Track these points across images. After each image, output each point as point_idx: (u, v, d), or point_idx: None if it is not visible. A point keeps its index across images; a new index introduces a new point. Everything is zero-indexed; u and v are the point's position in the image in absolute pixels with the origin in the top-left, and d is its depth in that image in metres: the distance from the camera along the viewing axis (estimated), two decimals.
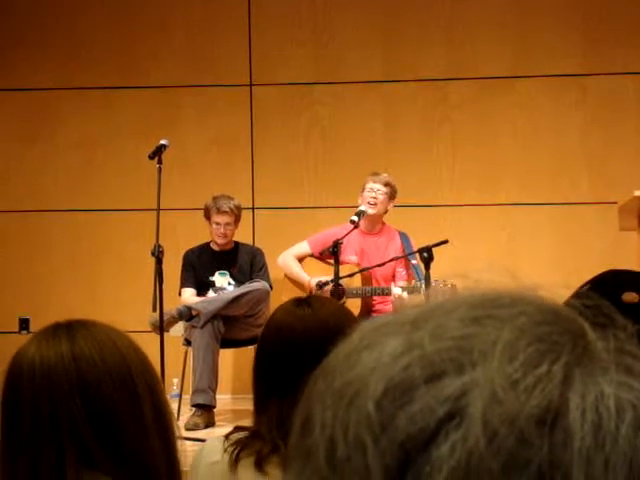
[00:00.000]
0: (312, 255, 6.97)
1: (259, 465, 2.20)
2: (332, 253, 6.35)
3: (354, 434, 0.56)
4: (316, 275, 6.79)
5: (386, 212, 6.83)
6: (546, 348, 0.56)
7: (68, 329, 1.73)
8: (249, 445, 2.25)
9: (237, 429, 2.35)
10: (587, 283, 1.75)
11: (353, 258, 6.71)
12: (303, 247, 7.02)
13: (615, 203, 6.30)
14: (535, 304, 0.59)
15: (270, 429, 2.22)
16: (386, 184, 6.74)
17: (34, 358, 1.69)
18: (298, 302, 2.42)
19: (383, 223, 6.91)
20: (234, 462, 2.25)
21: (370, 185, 6.73)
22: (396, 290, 6.34)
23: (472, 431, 0.53)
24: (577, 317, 0.59)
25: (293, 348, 2.29)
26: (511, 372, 0.55)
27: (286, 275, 7.01)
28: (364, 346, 0.60)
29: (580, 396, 0.54)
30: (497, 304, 0.59)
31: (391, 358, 0.57)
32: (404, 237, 6.84)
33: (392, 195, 6.78)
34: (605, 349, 0.57)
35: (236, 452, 2.26)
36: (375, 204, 6.69)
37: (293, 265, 6.97)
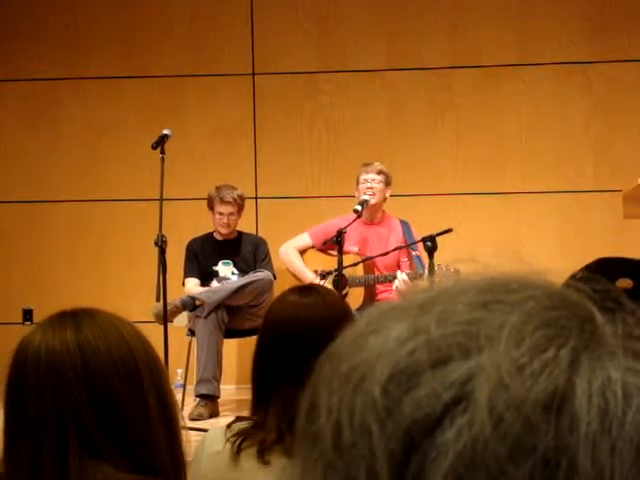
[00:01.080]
0: (313, 247, 6.97)
1: (262, 455, 2.21)
2: (336, 242, 6.34)
3: (360, 419, 0.56)
4: (317, 267, 6.78)
5: (385, 200, 6.81)
6: (553, 333, 0.55)
7: (74, 318, 1.73)
8: (251, 435, 2.26)
9: (238, 419, 2.36)
10: (580, 270, 1.75)
11: (354, 248, 6.70)
12: (304, 239, 7.01)
13: (620, 191, 6.29)
14: (543, 289, 0.59)
15: (273, 418, 2.22)
16: (379, 172, 6.73)
17: (39, 346, 1.69)
18: (297, 290, 2.43)
19: (383, 212, 6.90)
20: (236, 452, 2.25)
21: (364, 176, 6.72)
22: (401, 276, 6.33)
23: (478, 416, 0.53)
24: (585, 301, 0.59)
25: (293, 336, 2.30)
26: (517, 357, 0.54)
27: (288, 269, 6.99)
28: (370, 331, 0.59)
29: (587, 381, 0.54)
30: (505, 289, 0.59)
31: (397, 343, 0.57)
32: (405, 225, 6.83)
33: (387, 182, 6.77)
34: (613, 334, 0.57)
35: (238, 442, 2.26)
36: (373, 194, 6.68)
37: (296, 260, 6.95)
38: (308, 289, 2.45)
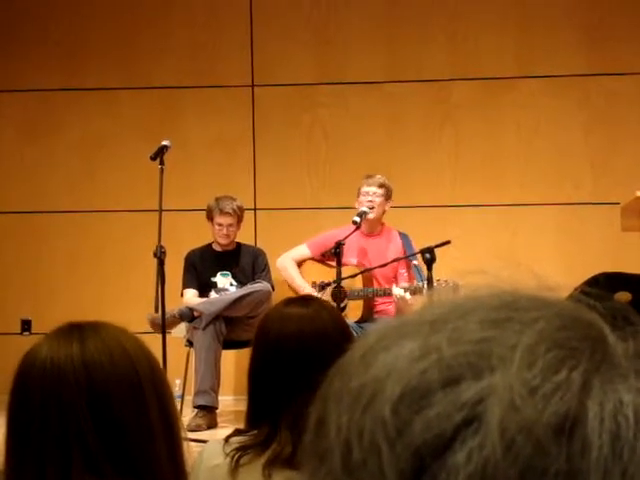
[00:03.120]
0: (312, 258, 6.96)
1: (270, 466, 2.19)
2: (334, 254, 6.33)
3: (370, 438, 0.55)
4: (316, 278, 6.77)
5: (384, 213, 6.81)
6: (565, 354, 0.55)
7: (80, 331, 1.72)
8: (253, 449, 2.24)
9: (237, 432, 2.34)
10: (580, 286, 1.75)
11: (352, 260, 6.69)
12: (302, 250, 7.01)
13: (618, 204, 6.29)
14: (555, 307, 0.59)
15: (287, 432, 2.20)
16: (380, 185, 6.72)
17: (45, 360, 1.68)
18: (288, 302, 2.41)
19: (382, 224, 6.89)
20: (234, 467, 2.24)
21: (365, 189, 6.72)
22: (397, 291, 6.32)
23: (489, 438, 0.53)
24: (596, 320, 0.58)
25: (286, 348, 2.28)
26: (530, 378, 0.54)
27: (285, 280, 6.97)
28: (381, 347, 0.59)
29: (598, 404, 0.53)
30: (516, 306, 0.58)
31: (408, 361, 0.57)
32: (405, 237, 6.83)
33: (388, 196, 6.76)
34: (625, 354, 0.57)
35: (237, 457, 2.24)
36: (372, 207, 6.67)
37: (293, 272, 6.93)
38: (298, 301, 2.44)
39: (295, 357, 2.26)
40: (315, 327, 2.31)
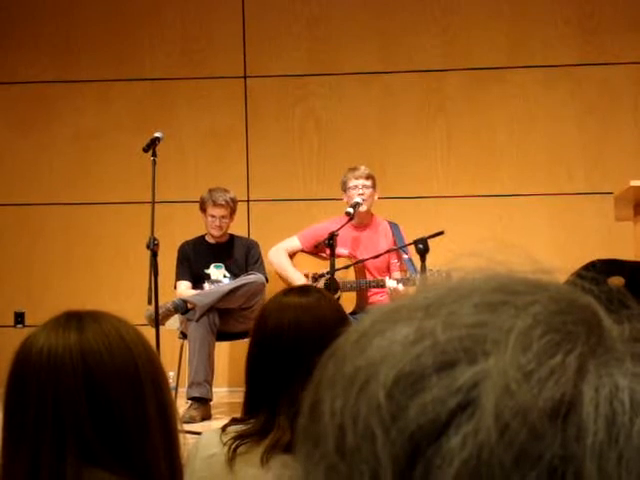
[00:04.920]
0: (302, 250, 6.96)
1: (269, 454, 2.19)
2: (328, 245, 6.33)
3: (364, 423, 0.55)
4: (308, 270, 6.77)
5: (373, 203, 6.81)
6: (560, 338, 0.55)
7: (78, 321, 1.71)
8: (251, 437, 2.24)
9: (234, 421, 2.34)
10: (577, 271, 1.75)
11: (344, 251, 6.69)
12: (294, 242, 7.00)
13: (611, 193, 6.29)
14: (550, 291, 0.58)
15: (285, 419, 2.21)
16: (368, 177, 6.73)
17: (42, 348, 1.68)
18: (287, 292, 2.41)
19: (372, 215, 6.90)
20: (231, 456, 2.24)
21: (354, 182, 6.71)
22: (390, 283, 6.33)
23: (484, 423, 0.52)
24: (592, 304, 0.58)
25: (283, 341, 2.28)
26: (524, 363, 0.53)
27: (276, 271, 6.97)
28: (375, 332, 0.59)
29: (594, 389, 0.53)
30: (511, 290, 0.58)
31: (402, 346, 0.56)
32: (395, 227, 6.83)
33: (375, 185, 6.78)
34: (620, 338, 0.56)
35: (234, 446, 2.24)
36: (365, 200, 6.67)
37: (285, 263, 6.93)
38: (297, 290, 2.44)
39: (293, 346, 2.26)
40: (313, 316, 2.31)
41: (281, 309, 2.35)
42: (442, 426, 0.53)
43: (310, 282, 6.52)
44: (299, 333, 2.28)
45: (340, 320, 2.34)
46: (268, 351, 2.31)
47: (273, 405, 2.24)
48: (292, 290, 2.45)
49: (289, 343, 2.28)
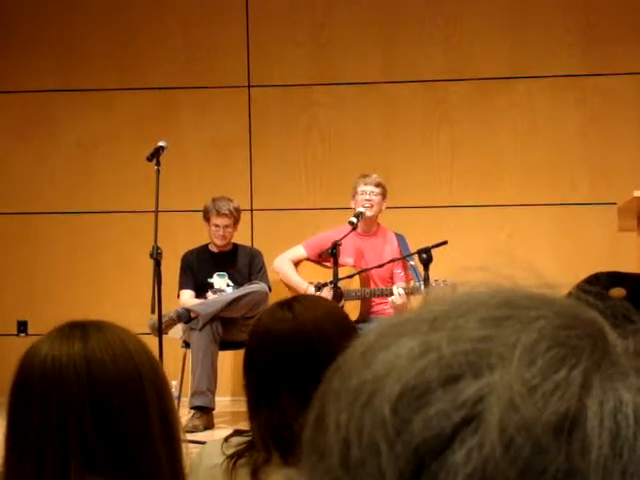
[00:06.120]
0: (308, 259, 6.97)
1: (255, 475, 2.18)
2: (331, 255, 6.34)
3: (369, 437, 0.55)
4: (312, 279, 6.77)
5: (381, 212, 6.83)
6: (565, 353, 0.55)
7: (82, 330, 1.71)
8: (245, 455, 2.23)
9: (237, 432, 2.34)
10: (580, 283, 1.75)
11: (349, 260, 6.70)
12: (299, 251, 7.01)
13: (614, 204, 6.29)
14: (555, 305, 0.58)
15: (262, 438, 2.20)
16: (377, 184, 6.74)
17: (46, 357, 1.68)
18: (281, 305, 2.39)
19: (378, 224, 6.90)
20: (231, 472, 2.23)
21: (362, 188, 6.73)
22: (396, 291, 6.34)
23: (488, 438, 0.52)
24: (596, 318, 0.58)
25: (276, 353, 2.28)
26: (529, 377, 0.53)
27: (282, 280, 6.98)
28: (380, 345, 0.59)
29: (598, 403, 0.53)
30: (516, 304, 0.58)
31: (407, 360, 0.56)
32: (401, 238, 6.83)
33: (385, 195, 6.79)
34: (625, 353, 0.56)
35: (233, 462, 2.24)
36: (371, 206, 6.68)
37: (290, 271, 6.94)
38: (290, 303, 2.40)
39: (285, 360, 2.26)
40: (303, 330, 2.29)
41: (266, 325, 2.35)
42: (447, 440, 0.53)
43: (314, 291, 6.52)
44: (283, 348, 2.27)
45: (338, 325, 2.32)
46: (253, 367, 2.32)
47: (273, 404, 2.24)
48: (282, 303, 2.41)
49: (272, 358, 2.28)
